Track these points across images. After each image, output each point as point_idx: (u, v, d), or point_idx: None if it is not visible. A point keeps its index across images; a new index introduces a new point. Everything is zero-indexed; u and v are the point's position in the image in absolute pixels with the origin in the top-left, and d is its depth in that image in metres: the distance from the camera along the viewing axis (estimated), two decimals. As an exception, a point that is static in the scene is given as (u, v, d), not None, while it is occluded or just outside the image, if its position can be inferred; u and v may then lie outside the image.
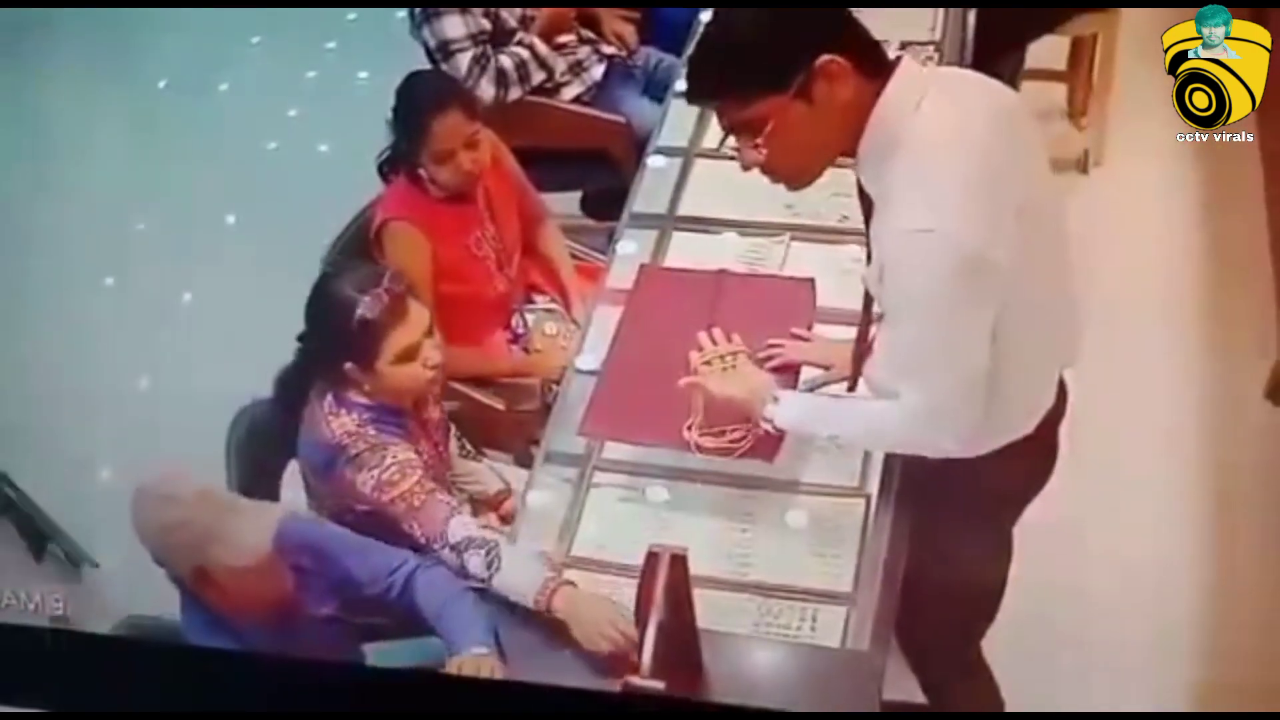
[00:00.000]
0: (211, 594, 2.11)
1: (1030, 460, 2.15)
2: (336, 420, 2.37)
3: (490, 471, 2.75)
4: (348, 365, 2.35)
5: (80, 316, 3.80)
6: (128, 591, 2.62)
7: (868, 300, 2.11)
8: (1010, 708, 2.53)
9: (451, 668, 2.12)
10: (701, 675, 2.10)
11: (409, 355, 2.36)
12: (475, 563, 2.22)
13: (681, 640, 2.01)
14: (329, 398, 2.39)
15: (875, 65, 1.85)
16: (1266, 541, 2.98)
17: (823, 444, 2.37)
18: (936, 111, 1.83)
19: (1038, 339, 1.98)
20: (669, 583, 1.89)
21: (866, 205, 1.95)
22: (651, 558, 1.91)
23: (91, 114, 4.60)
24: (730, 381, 2.22)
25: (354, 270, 2.41)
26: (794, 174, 1.95)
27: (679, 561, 1.91)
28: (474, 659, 2.12)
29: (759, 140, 1.87)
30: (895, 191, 1.83)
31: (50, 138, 4.46)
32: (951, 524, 2.22)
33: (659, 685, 1.81)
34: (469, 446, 2.73)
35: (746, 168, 1.95)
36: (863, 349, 2.18)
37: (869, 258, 1.96)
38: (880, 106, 1.84)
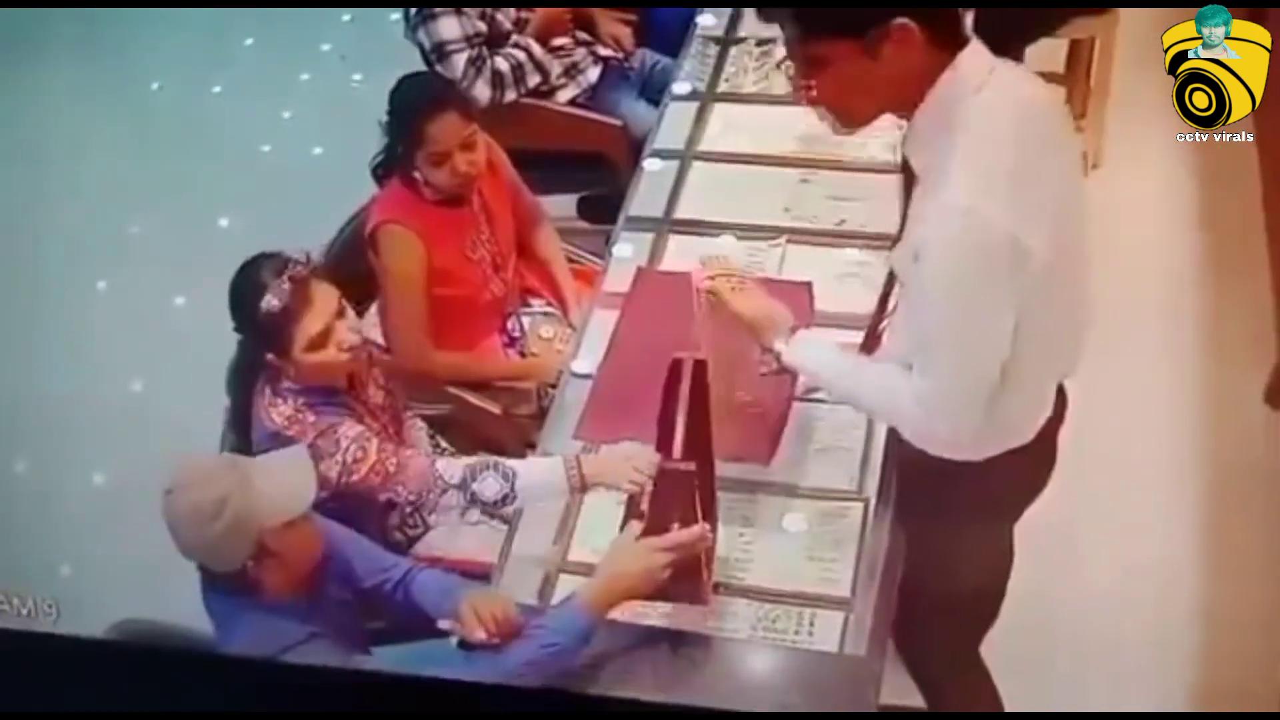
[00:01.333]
0: (268, 569, 2.07)
1: (1028, 465, 2.14)
2: (275, 410, 2.37)
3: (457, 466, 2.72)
4: (269, 356, 2.36)
5: (73, 319, 3.79)
6: (121, 595, 2.61)
7: (888, 286, 2.09)
8: (1008, 709, 2.52)
9: (466, 608, 2.12)
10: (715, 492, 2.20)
11: (321, 341, 2.35)
12: (490, 485, 2.25)
13: (702, 439, 2.09)
14: (266, 389, 2.40)
15: (948, 39, 1.83)
16: (1265, 543, 2.98)
17: (817, 446, 2.37)
18: (997, 98, 1.82)
19: (1047, 345, 1.97)
20: (693, 383, 2.03)
21: (908, 178, 1.94)
22: (676, 364, 2.05)
23: (85, 116, 4.59)
24: (747, 299, 2.18)
25: (264, 261, 2.39)
26: (840, 118, 1.94)
27: (700, 366, 2.05)
28: (469, 601, 2.13)
29: (813, 81, 1.86)
30: (944, 169, 1.82)
31: (43, 140, 4.44)
32: (951, 527, 2.21)
33: (690, 466, 1.98)
34: (444, 445, 2.72)
35: (799, 102, 1.94)
36: (874, 339, 2.16)
37: (898, 238, 1.94)
38: (944, 83, 1.82)
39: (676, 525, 2.04)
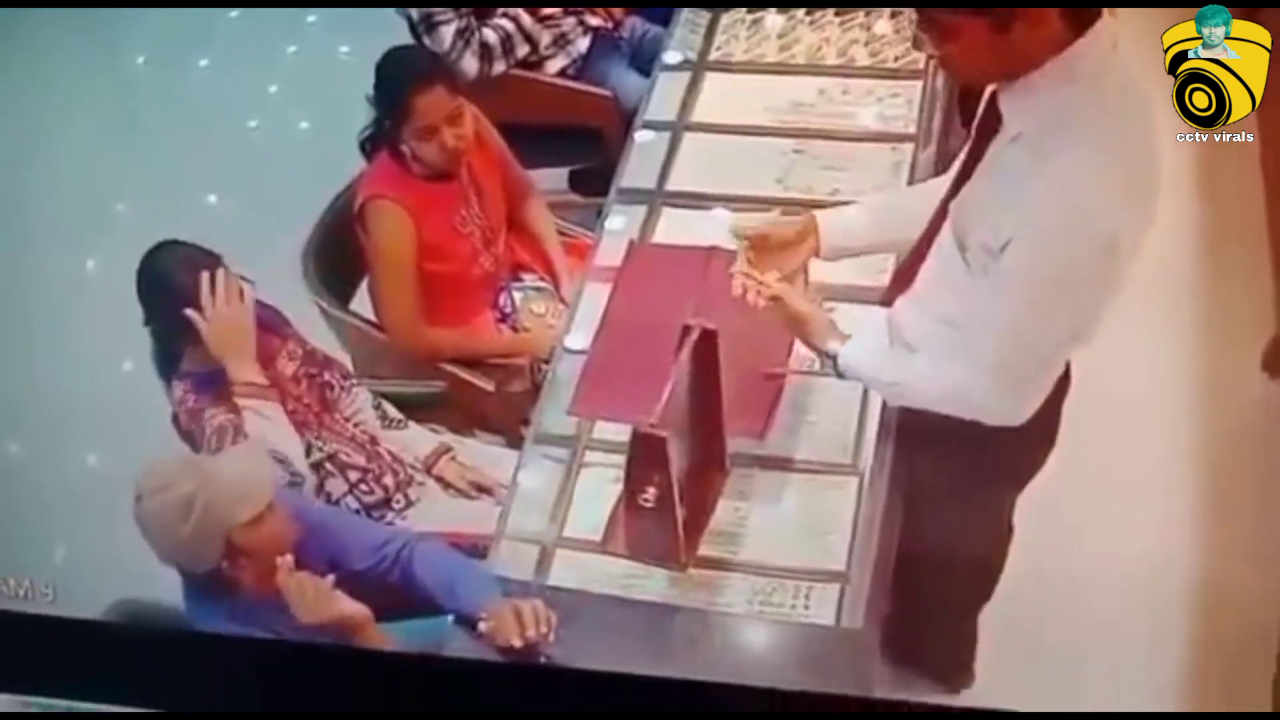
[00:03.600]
0: (241, 567, 2.10)
1: (1034, 435, 2.14)
2: (173, 394, 2.49)
3: (422, 435, 2.73)
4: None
5: (62, 300, 3.76)
6: (117, 576, 2.60)
7: (934, 226, 2.06)
8: (1005, 686, 2.52)
9: (508, 612, 2.11)
10: (723, 462, 2.25)
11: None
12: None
13: (706, 409, 2.14)
14: (174, 377, 2.49)
15: (1080, 18, 1.80)
16: (1265, 510, 2.97)
17: (811, 420, 2.36)
18: (1118, 80, 1.79)
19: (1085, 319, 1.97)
20: (692, 351, 2.09)
21: (991, 123, 1.90)
22: (685, 330, 2.10)
23: (67, 92, 4.53)
24: (803, 299, 2.18)
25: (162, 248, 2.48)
26: (960, 80, 1.92)
27: (707, 336, 2.09)
28: (513, 605, 2.13)
29: (937, 50, 1.85)
30: (1057, 148, 1.79)
31: (25, 117, 4.39)
32: (953, 496, 2.21)
33: (663, 433, 2.01)
34: (392, 415, 2.71)
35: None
36: (904, 283, 2.14)
37: (959, 182, 1.93)
38: (1072, 55, 1.79)
39: (652, 490, 2.07)
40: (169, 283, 2.43)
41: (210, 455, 2.38)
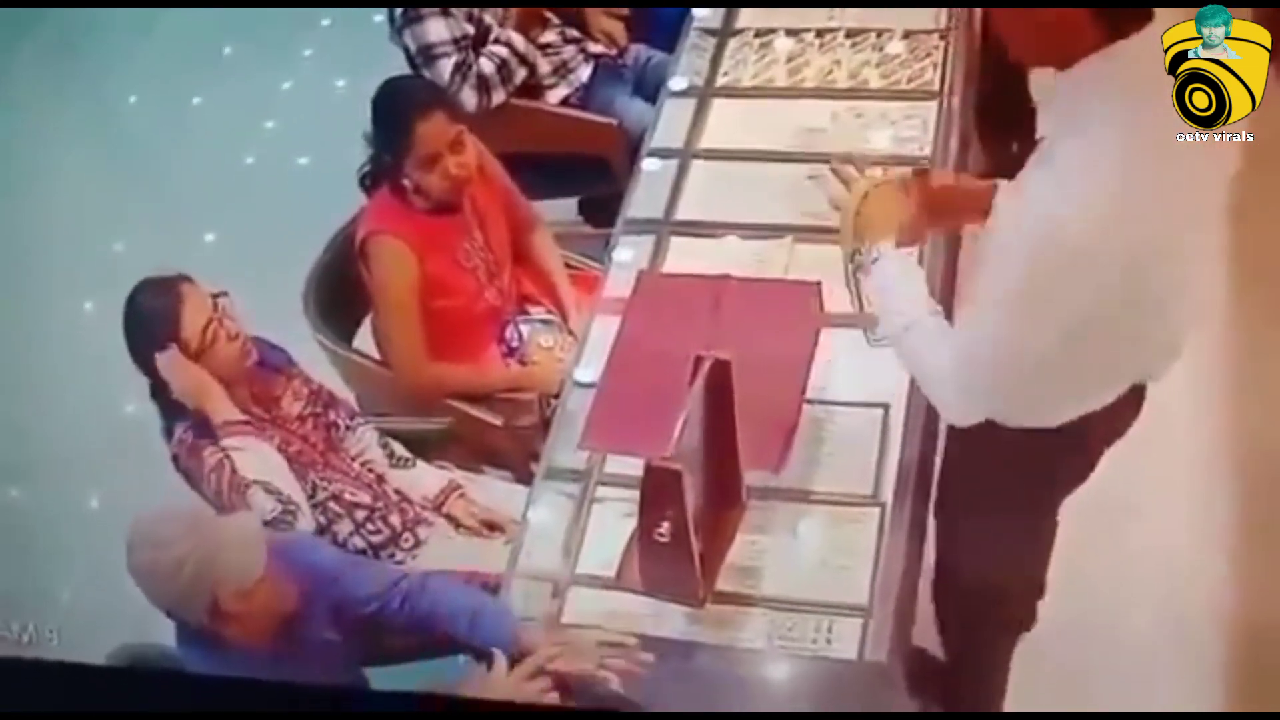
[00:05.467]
0: (230, 628, 2.09)
1: (1061, 452, 2.11)
2: (173, 438, 2.48)
3: (432, 473, 2.70)
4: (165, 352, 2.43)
5: (62, 342, 3.74)
6: (123, 619, 2.57)
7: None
8: (1031, 698, 2.48)
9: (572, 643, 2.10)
10: (739, 495, 2.24)
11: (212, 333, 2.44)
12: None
13: (719, 441, 2.13)
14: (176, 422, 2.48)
15: (1118, 21, 1.75)
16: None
17: (829, 452, 2.33)
18: (1141, 91, 1.75)
19: (1102, 342, 1.92)
20: (706, 382, 2.07)
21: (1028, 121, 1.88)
22: (698, 361, 2.07)
23: (61, 132, 4.52)
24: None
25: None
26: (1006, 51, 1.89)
27: (720, 367, 2.07)
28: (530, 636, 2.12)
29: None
30: (1062, 153, 1.76)
31: (19, 158, 4.38)
32: (988, 517, 2.18)
33: (676, 466, 1.98)
34: (399, 454, 2.69)
35: None
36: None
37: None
38: (1104, 56, 1.75)
39: (667, 525, 2.04)
40: (137, 333, 2.46)
41: (211, 501, 2.38)
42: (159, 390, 2.48)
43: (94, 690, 1.88)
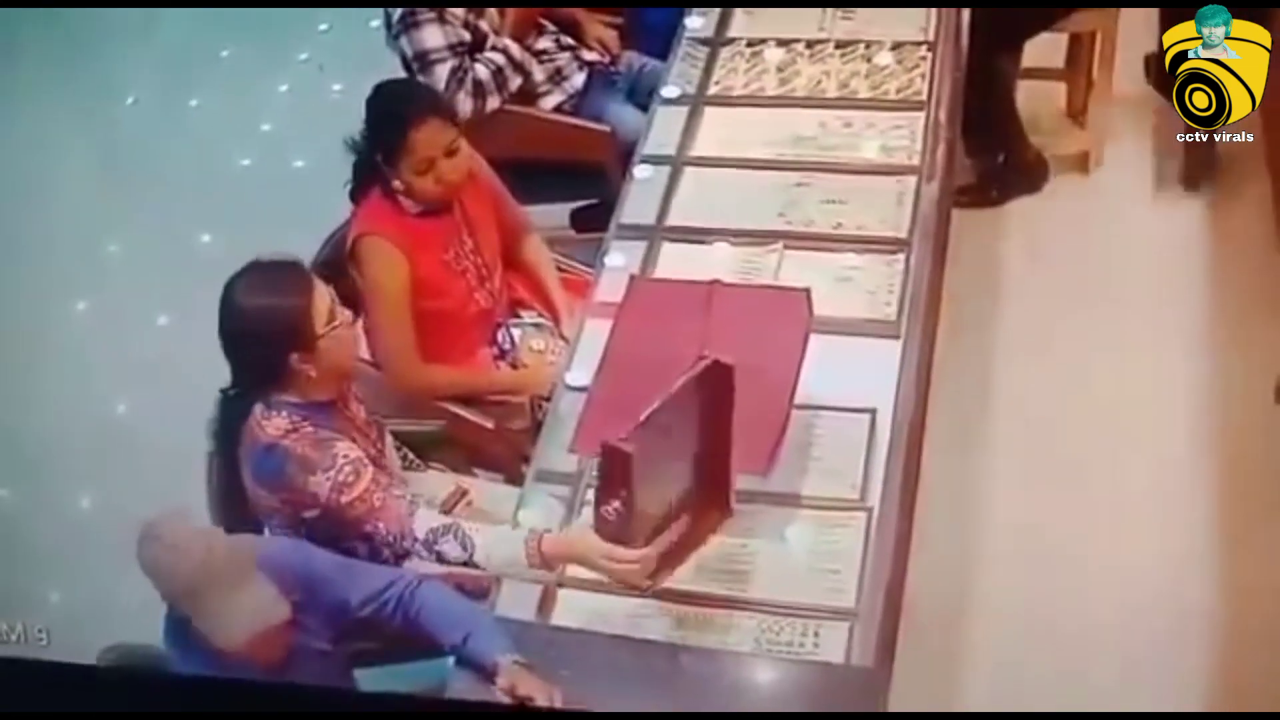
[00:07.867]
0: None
1: None
2: (270, 423, 2.34)
3: (439, 478, 2.70)
4: (293, 357, 2.32)
5: (54, 342, 3.74)
6: (113, 619, 2.56)
7: None
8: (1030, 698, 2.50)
9: (503, 679, 2.08)
10: (726, 498, 2.23)
11: (333, 316, 2.37)
12: (451, 549, 2.24)
13: (710, 439, 2.14)
14: (258, 408, 2.36)
15: None
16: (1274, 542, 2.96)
17: (817, 456, 2.34)
18: None
19: None
20: (699, 383, 2.09)
21: None
22: (699, 359, 2.10)
23: (59, 133, 4.53)
24: None
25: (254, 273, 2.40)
26: None
27: (719, 368, 2.10)
28: (516, 671, 2.10)
29: None
30: None
31: (16, 159, 4.38)
32: None
33: (629, 447, 2.00)
34: (412, 458, 2.69)
35: None
36: None
37: None
38: None
39: (617, 504, 2.07)
40: (273, 311, 2.34)
41: (333, 489, 2.30)
42: (264, 373, 2.37)
43: (83, 690, 1.89)
